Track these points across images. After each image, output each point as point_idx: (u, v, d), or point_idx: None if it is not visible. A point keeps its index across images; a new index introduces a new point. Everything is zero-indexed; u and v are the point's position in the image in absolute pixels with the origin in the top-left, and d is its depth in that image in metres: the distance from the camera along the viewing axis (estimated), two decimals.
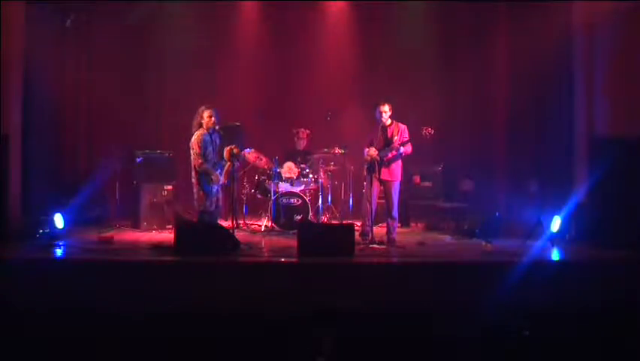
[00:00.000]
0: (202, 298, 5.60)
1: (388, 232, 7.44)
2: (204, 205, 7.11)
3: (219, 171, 7.16)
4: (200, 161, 7.02)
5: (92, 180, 8.79)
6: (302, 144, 9.04)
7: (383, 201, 7.60)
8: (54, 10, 8.41)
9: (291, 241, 7.20)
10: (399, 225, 7.93)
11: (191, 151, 7.05)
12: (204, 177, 7.07)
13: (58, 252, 6.82)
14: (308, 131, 9.00)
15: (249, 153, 7.52)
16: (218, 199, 7.26)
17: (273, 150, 8.63)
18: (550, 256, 6.81)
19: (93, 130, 9.42)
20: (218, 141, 7.23)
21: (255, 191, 8.88)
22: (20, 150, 8.01)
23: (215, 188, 7.12)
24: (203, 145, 7.04)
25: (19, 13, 7.81)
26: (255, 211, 9.07)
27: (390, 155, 7.23)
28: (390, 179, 7.31)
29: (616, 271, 6.13)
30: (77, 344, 4.66)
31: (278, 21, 9.45)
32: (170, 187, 8.73)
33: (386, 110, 7.33)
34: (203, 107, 7.14)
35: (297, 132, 9.01)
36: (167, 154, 8.83)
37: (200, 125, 7.09)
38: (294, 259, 6.50)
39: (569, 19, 8.22)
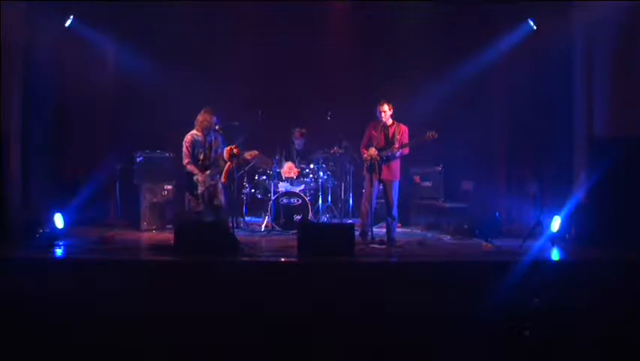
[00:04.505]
0: (202, 298, 5.60)
1: (388, 232, 7.44)
2: (192, 205, 7.21)
3: (215, 172, 7.23)
4: (186, 160, 7.23)
5: (92, 180, 8.80)
6: (299, 144, 9.04)
7: (383, 201, 7.60)
8: (54, 10, 8.40)
9: (291, 241, 7.20)
10: (399, 225, 7.94)
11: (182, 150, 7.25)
12: (190, 176, 7.18)
13: (58, 252, 6.82)
14: (303, 130, 8.99)
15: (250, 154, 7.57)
16: (212, 198, 7.29)
17: (273, 150, 8.62)
18: (550, 256, 6.81)
19: (93, 130, 9.42)
20: (214, 142, 7.30)
21: (255, 191, 8.88)
22: (20, 150, 8.01)
23: (201, 188, 7.20)
24: (191, 145, 7.26)
25: (19, 13, 7.81)
26: (255, 211, 9.07)
27: (390, 154, 7.25)
28: (390, 178, 7.31)
29: (616, 271, 6.13)
30: (77, 344, 4.66)
31: (278, 21, 9.43)
32: (170, 187, 8.74)
33: (386, 109, 7.32)
34: (204, 109, 7.28)
35: (293, 132, 9.01)
36: (167, 154, 8.83)
37: (200, 125, 7.19)
38: (294, 259, 6.50)
39: (569, 19, 8.22)
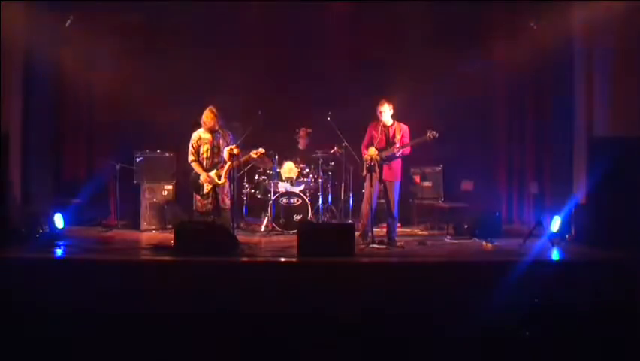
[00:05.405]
0: (202, 298, 5.60)
1: (388, 232, 7.44)
2: (197, 205, 7.27)
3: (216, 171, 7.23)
4: (191, 158, 7.25)
5: (92, 180, 8.80)
6: (303, 144, 9.04)
7: (383, 201, 7.60)
8: (54, 10, 8.40)
9: (291, 241, 7.20)
10: (399, 225, 7.93)
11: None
12: (197, 176, 7.21)
13: (58, 252, 6.82)
14: (309, 130, 9.01)
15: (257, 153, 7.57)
16: (217, 200, 7.27)
17: (273, 150, 8.61)
18: (550, 256, 6.81)
19: (93, 130, 9.42)
20: (222, 141, 7.29)
21: (255, 191, 8.88)
22: (20, 150, 8.01)
23: (205, 188, 7.19)
24: (197, 144, 7.26)
25: (19, 13, 7.82)
26: (255, 211, 9.07)
27: (390, 155, 7.24)
28: (390, 179, 7.31)
29: (616, 271, 6.13)
30: (77, 344, 4.66)
31: (279, 21, 9.43)
32: (170, 187, 8.74)
33: (385, 109, 7.31)
34: (208, 107, 7.28)
35: (298, 131, 9.02)
36: (167, 154, 8.84)
37: (203, 124, 7.21)
38: (294, 259, 6.50)
39: (568, 20, 8.22)
